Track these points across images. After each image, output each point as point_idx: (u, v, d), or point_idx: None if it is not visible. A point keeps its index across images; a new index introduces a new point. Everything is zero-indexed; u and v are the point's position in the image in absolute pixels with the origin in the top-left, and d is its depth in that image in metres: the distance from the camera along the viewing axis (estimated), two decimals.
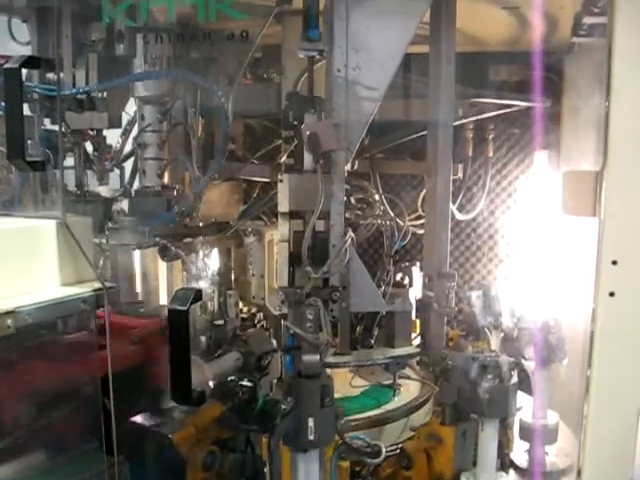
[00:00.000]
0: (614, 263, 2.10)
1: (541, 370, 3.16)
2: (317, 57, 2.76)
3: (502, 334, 3.26)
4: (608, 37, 2.14)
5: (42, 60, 2.52)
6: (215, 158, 3.31)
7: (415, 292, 3.83)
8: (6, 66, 2.37)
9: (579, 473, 2.31)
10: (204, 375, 2.93)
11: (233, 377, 3.09)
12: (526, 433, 3.27)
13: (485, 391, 2.63)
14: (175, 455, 2.85)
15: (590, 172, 2.19)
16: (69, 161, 3.70)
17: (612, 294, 2.11)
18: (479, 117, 4.02)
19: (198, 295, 2.44)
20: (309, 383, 2.33)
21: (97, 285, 2.53)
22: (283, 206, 2.76)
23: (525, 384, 3.19)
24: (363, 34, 2.66)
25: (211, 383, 2.97)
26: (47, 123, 3.67)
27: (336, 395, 3.17)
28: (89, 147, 3.86)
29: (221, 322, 3.36)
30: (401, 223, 3.91)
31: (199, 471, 2.88)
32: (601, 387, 2.20)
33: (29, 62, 2.43)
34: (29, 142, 3.36)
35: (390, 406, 3.36)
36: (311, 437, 2.34)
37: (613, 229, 2.11)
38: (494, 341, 3.47)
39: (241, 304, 3.64)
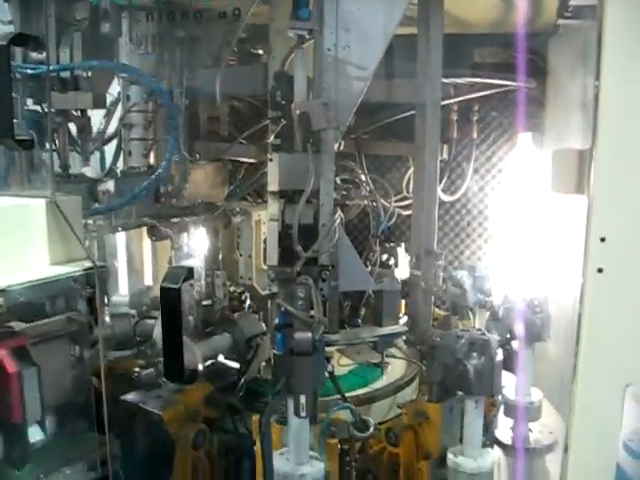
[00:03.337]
0: (602, 240, 2.13)
1: (525, 348, 3.20)
2: (306, 36, 2.75)
3: (488, 313, 3.29)
4: (599, 17, 2.14)
5: (30, 38, 2.48)
6: (170, 136, 3.30)
7: (400, 273, 3.85)
8: None
9: (566, 449, 2.34)
10: (194, 356, 2.93)
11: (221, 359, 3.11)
12: (510, 410, 3.32)
13: (472, 369, 2.65)
14: (164, 433, 2.87)
15: (579, 150, 2.21)
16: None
17: (600, 270, 2.14)
18: (465, 98, 4.03)
19: (190, 273, 2.45)
20: (301, 360, 2.35)
21: (88, 264, 2.52)
22: (273, 185, 2.76)
23: (509, 362, 3.23)
24: (353, 13, 2.67)
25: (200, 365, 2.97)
26: (29, 104, 3.64)
27: None
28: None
29: (209, 302, 3.36)
30: (387, 204, 3.91)
31: (188, 449, 2.89)
32: (589, 363, 2.23)
33: (18, 39, 2.41)
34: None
35: (377, 384, 3.39)
36: (303, 414, 2.35)
37: (601, 206, 2.13)
38: (479, 320, 3.51)
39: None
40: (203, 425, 3.00)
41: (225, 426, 3.21)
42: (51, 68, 3.22)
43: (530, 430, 3.40)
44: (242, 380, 3.20)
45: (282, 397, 2.44)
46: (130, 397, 2.96)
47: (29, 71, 3.20)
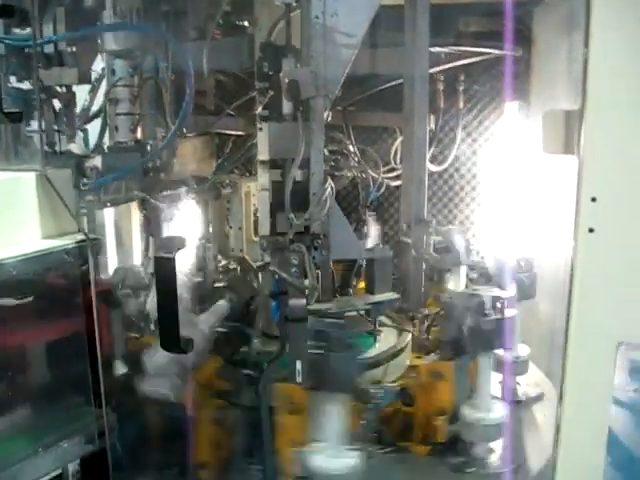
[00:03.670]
0: (593, 200, 2.14)
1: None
2: (293, 5, 2.74)
3: (475, 275, 3.30)
4: None
5: (16, 9, 2.45)
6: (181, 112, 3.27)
7: None
8: None
9: (559, 412, 2.37)
10: (199, 329, 2.88)
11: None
12: (499, 365, 3.37)
13: (479, 325, 2.76)
14: (179, 413, 2.85)
15: (569, 111, 2.23)
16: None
17: (591, 230, 2.16)
18: (451, 65, 4.03)
19: (183, 242, 2.45)
20: (295, 327, 2.36)
21: (80, 237, 2.52)
22: (263, 155, 2.76)
23: None
24: None
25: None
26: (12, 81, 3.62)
27: None
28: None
29: (200, 279, 3.36)
30: (375, 175, 3.92)
31: (209, 426, 2.88)
32: (580, 322, 2.25)
33: (2, 11, 2.38)
34: None
35: (370, 353, 3.40)
36: (299, 379, 2.37)
37: (592, 166, 2.14)
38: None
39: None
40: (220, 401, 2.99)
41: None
42: (54, 38, 3.19)
43: (518, 384, 3.55)
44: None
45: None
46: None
47: (31, 43, 3.17)
